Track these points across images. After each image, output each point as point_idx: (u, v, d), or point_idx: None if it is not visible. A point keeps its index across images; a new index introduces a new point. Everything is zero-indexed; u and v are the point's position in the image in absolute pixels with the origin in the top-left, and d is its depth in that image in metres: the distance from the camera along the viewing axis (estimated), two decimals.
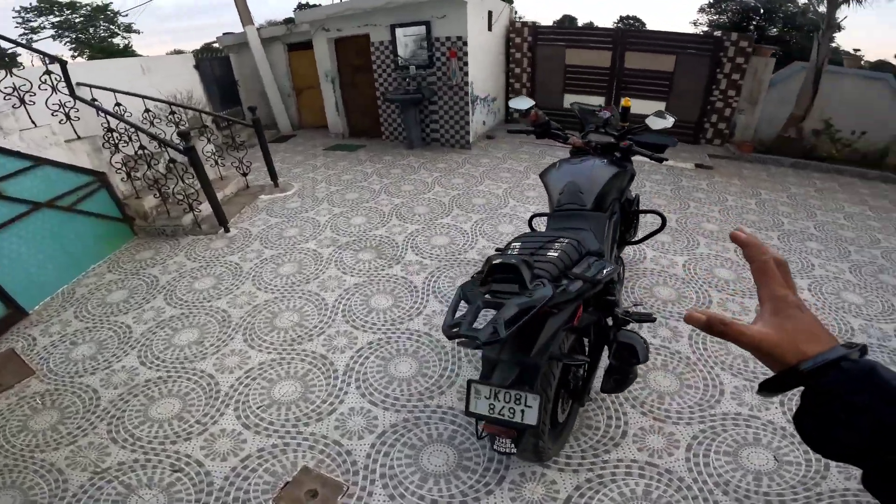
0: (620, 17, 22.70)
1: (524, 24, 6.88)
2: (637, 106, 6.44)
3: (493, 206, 4.46)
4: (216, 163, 4.93)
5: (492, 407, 1.39)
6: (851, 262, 3.50)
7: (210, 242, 3.94)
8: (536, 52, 6.91)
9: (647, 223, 3.76)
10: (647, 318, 1.75)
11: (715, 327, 0.45)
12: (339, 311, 2.93)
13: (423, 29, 5.82)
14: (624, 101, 2.42)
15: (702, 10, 18.39)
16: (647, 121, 2.17)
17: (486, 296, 1.32)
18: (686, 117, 6.26)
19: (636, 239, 2.86)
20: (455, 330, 1.20)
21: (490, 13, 6.21)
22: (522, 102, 2.52)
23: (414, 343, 2.61)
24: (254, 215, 4.49)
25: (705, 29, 17.57)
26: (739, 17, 16.82)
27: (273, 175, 5.12)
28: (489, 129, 7.10)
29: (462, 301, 1.36)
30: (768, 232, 4.04)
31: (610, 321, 1.79)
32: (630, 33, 6.34)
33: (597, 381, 1.89)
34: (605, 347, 1.79)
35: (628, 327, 1.74)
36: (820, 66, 5.64)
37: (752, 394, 2.21)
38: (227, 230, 4.09)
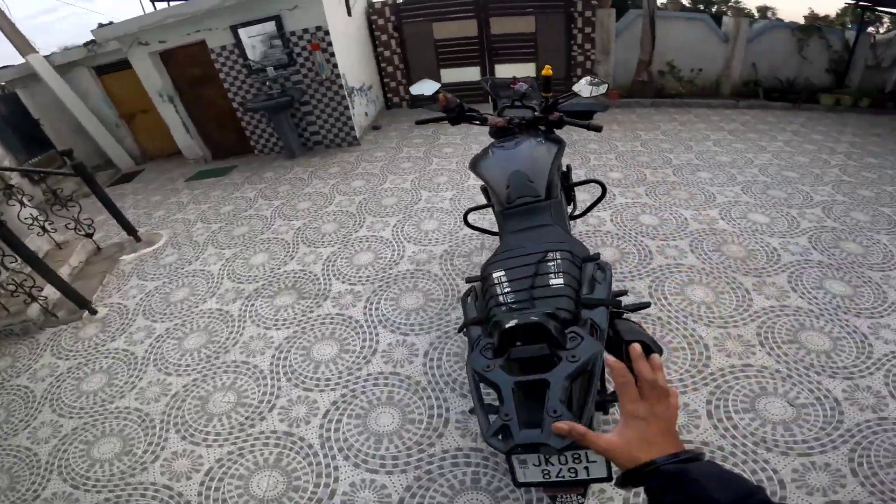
0: None
1: (384, 3, 6.50)
2: (509, 70, 6.63)
3: (407, 203, 4.14)
4: (44, 229, 3.80)
5: (546, 473, 1.16)
6: (741, 184, 3.93)
7: (77, 332, 3.09)
8: (403, 31, 6.61)
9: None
10: (643, 306, 1.61)
11: (575, 437, 0.59)
12: (280, 376, 2.43)
13: (272, 25, 5.14)
14: (545, 70, 2.24)
15: None
16: (576, 88, 2.01)
17: (513, 373, 1.03)
18: (556, 75, 6.57)
19: (578, 213, 2.80)
20: (509, 442, 0.91)
21: None
22: (426, 86, 2.22)
23: (383, 388, 2.26)
24: (122, 284, 3.59)
25: None
26: None
27: (128, 227, 4.14)
28: (373, 119, 6.70)
29: (482, 383, 1.07)
30: (664, 169, 4.36)
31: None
32: None
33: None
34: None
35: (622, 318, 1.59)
36: (652, 13, 6.21)
37: (724, 354, 2.28)
38: (92, 311, 3.20)
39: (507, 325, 1.05)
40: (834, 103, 6.53)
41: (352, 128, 5.74)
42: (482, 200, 3.95)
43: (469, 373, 1.08)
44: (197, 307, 3.11)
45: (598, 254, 1.44)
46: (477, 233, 3.31)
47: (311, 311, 2.88)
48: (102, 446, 2.23)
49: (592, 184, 2.34)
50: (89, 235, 3.96)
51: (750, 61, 6.83)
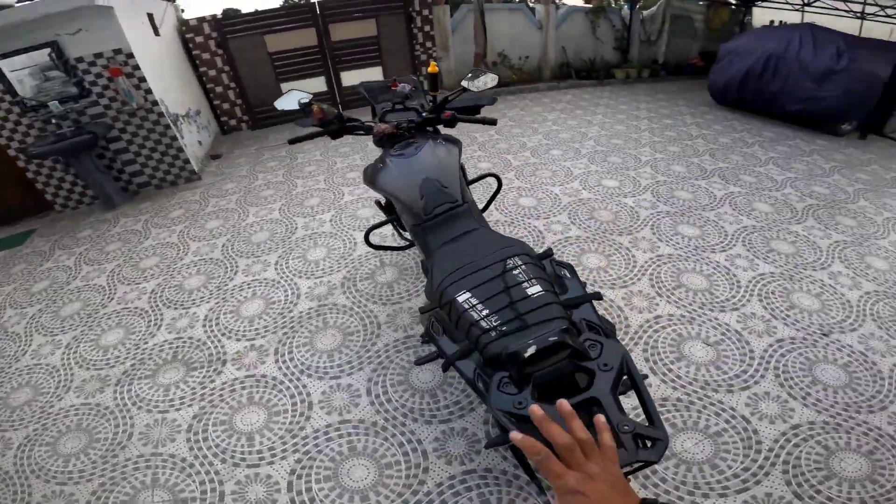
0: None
1: (201, 20, 5.75)
2: (355, 77, 6.47)
3: (282, 235, 3.76)
4: None
5: None
6: (586, 156, 4.53)
7: None
8: (229, 47, 5.96)
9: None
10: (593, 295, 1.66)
11: None
12: (212, 462, 2.06)
13: (44, 54, 4.19)
14: (430, 68, 2.20)
15: None
16: (465, 82, 1.96)
17: (542, 397, 0.98)
18: (402, 75, 6.62)
19: (480, 208, 2.82)
20: None
21: (151, 16, 4.92)
22: (292, 99, 1.99)
23: (339, 441, 2.05)
24: None
25: None
26: None
27: None
28: (209, 148, 5.93)
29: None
30: (522, 153, 4.75)
31: None
32: (328, 5, 6.05)
33: None
34: None
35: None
36: (481, 6, 6.68)
37: (636, 311, 2.53)
38: None
39: (526, 354, 0.99)
40: (625, 77, 7.91)
41: (186, 160, 4.95)
42: (365, 216, 3.81)
43: (498, 417, 0.99)
44: (53, 406, 2.44)
45: (550, 249, 1.44)
46: (374, 251, 3.15)
47: (212, 381, 2.44)
48: None
49: (493, 178, 2.34)
50: None
51: (560, 45, 7.83)
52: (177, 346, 2.72)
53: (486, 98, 2.11)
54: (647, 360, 2.24)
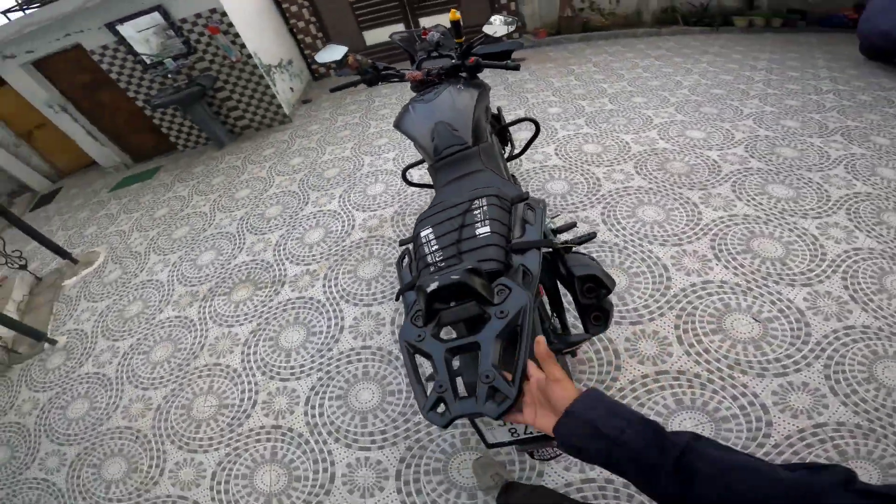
0: None
1: None
2: (434, 22, 6.28)
3: (349, 171, 4.51)
4: None
5: (514, 431, 1.18)
6: (674, 105, 4.46)
7: (44, 363, 3.40)
8: None
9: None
10: (589, 237, 1.52)
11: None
12: (270, 371, 2.62)
13: (156, 16, 5.31)
14: (451, 15, 2.15)
15: None
16: (486, 29, 2.12)
17: (443, 339, 1.02)
18: (480, 19, 5.80)
19: (517, 153, 2.83)
20: (445, 413, 0.91)
21: None
22: (331, 53, 2.17)
23: (378, 362, 2.46)
24: (72, 310, 3.82)
25: None
26: None
27: (61, 251, 4.10)
28: (301, 93, 7.23)
29: (417, 354, 1.06)
30: (600, 99, 4.96)
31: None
32: None
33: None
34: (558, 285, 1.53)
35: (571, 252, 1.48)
36: None
37: (689, 258, 2.42)
38: (52, 342, 3.54)
39: (428, 289, 1.03)
40: (748, 25, 6.69)
41: (279, 106, 6.33)
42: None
43: (402, 346, 1.05)
44: (154, 319, 3.36)
45: (527, 193, 1.42)
46: (423, 189, 3.26)
47: (271, 300, 3.09)
48: (110, 467, 2.44)
49: (530, 122, 2.36)
50: (23, 267, 3.92)
51: None
52: (250, 268, 3.44)
53: (515, 43, 2.16)
54: (676, 326, 2.07)
